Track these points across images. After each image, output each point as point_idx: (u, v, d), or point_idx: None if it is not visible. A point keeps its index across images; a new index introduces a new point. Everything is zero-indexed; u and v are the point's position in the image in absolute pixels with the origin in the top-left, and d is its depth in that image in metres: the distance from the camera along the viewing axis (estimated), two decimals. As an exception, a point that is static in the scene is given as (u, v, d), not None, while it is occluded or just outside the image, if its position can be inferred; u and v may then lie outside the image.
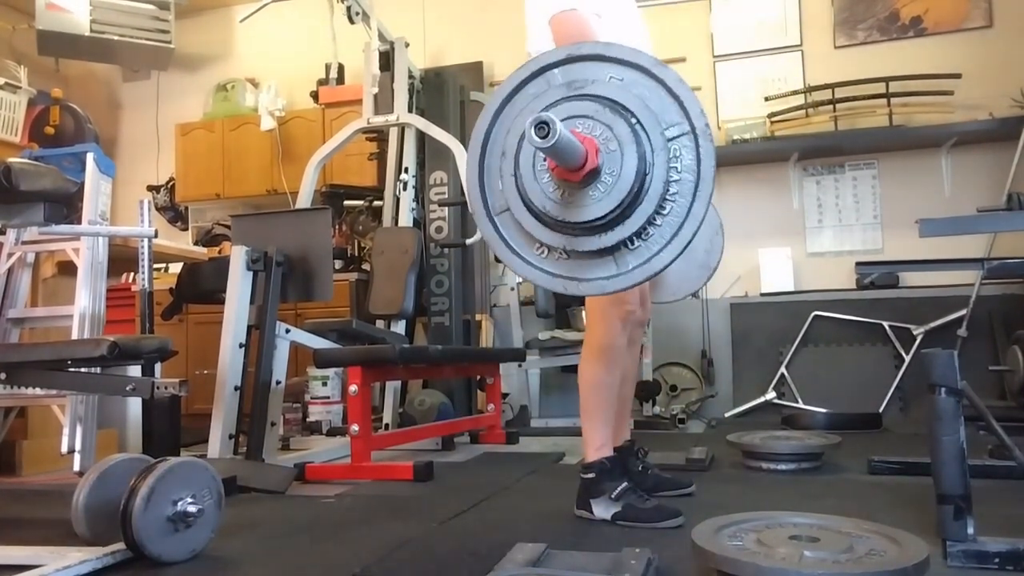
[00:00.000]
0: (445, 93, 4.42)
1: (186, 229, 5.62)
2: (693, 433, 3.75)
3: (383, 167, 4.53)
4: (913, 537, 1.29)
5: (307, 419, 3.85)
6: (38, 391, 2.54)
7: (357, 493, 2.40)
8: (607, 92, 1.18)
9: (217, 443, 2.62)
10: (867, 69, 4.26)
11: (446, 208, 4.21)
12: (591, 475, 1.89)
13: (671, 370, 4.43)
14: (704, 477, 2.40)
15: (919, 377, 3.72)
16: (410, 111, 4.19)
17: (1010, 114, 4.03)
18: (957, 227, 2.80)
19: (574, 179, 1.15)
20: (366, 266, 4.55)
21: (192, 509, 1.59)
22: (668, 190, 1.15)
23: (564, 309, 4.14)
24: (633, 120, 1.15)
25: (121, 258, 3.12)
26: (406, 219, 4.11)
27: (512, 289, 4.36)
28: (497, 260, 1.36)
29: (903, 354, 4.05)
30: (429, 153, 4.30)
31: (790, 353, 4.23)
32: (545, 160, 1.17)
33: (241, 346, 2.74)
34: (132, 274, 4.02)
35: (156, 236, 2.98)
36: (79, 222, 2.78)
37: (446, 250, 4.13)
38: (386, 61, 4.25)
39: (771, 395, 4.19)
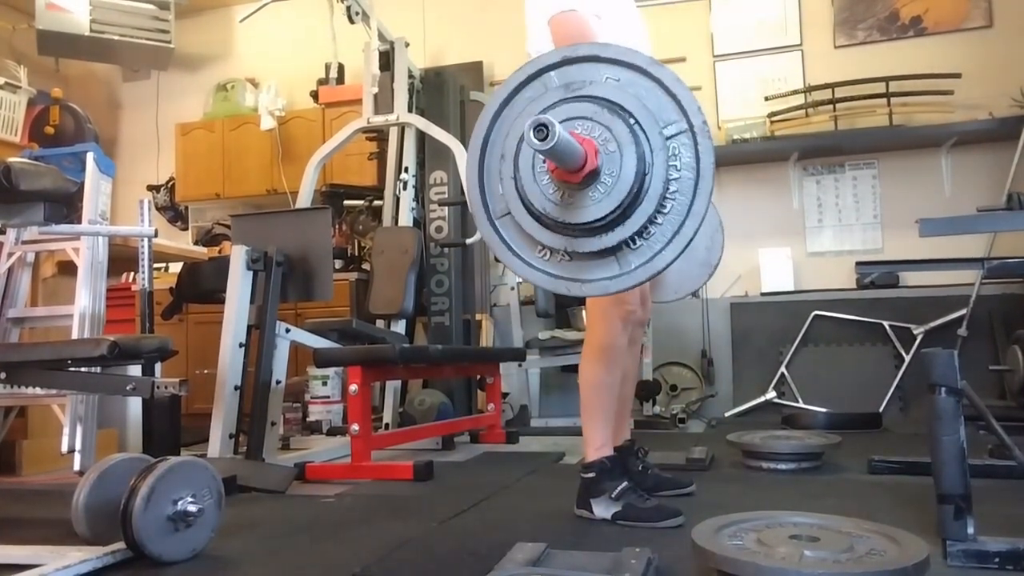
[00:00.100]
0: (445, 93, 4.42)
1: (186, 229, 5.62)
2: (693, 433, 3.75)
3: (383, 167, 4.53)
4: (913, 537, 1.29)
5: (307, 419, 3.86)
6: (38, 391, 2.54)
7: (357, 493, 2.40)
8: (605, 93, 1.18)
9: (217, 443, 2.62)
10: (867, 69, 4.26)
11: (446, 208, 4.21)
12: (591, 475, 1.89)
13: (671, 370, 4.43)
14: (704, 477, 2.40)
15: (919, 377, 3.72)
16: (410, 111, 4.19)
17: (1010, 114, 4.03)
18: (957, 227, 2.79)
19: (574, 180, 1.15)
20: (366, 266, 4.55)
21: (192, 509, 1.59)
22: (668, 188, 1.15)
23: (564, 309, 4.14)
24: (631, 120, 1.15)
25: (121, 258, 3.12)
26: (406, 219, 4.11)
27: (512, 289, 4.37)
28: (498, 260, 1.36)
29: (903, 354, 4.06)
30: (429, 153, 4.30)
31: (790, 353, 4.24)
32: (544, 162, 1.17)
33: (241, 346, 2.74)
34: (132, 274, 4.02)
35: (156, 236, 2.98)
36: (79, 222, 2.78)
37: (446, 250, 4.13)
38: (386, 61, 4.25)
39: (771, 395, 4.19)
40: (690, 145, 1.15)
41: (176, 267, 4.17)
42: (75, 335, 2.68)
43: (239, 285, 2.76)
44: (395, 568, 1.56)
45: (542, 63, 1.24)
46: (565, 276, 1.23)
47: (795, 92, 4.40)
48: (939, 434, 1.44)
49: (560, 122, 1.06)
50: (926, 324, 4.03)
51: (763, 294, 4.41)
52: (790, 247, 4.44)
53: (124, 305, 4.00)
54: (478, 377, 3.98)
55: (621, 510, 1.84)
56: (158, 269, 4.11)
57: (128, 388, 1.93)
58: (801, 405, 4.06)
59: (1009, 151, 3.98)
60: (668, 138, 1.16)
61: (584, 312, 2.53)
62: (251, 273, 2.80)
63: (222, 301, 2.80)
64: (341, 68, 5.08)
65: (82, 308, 2.72)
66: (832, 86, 4.28)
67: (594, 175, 1.14)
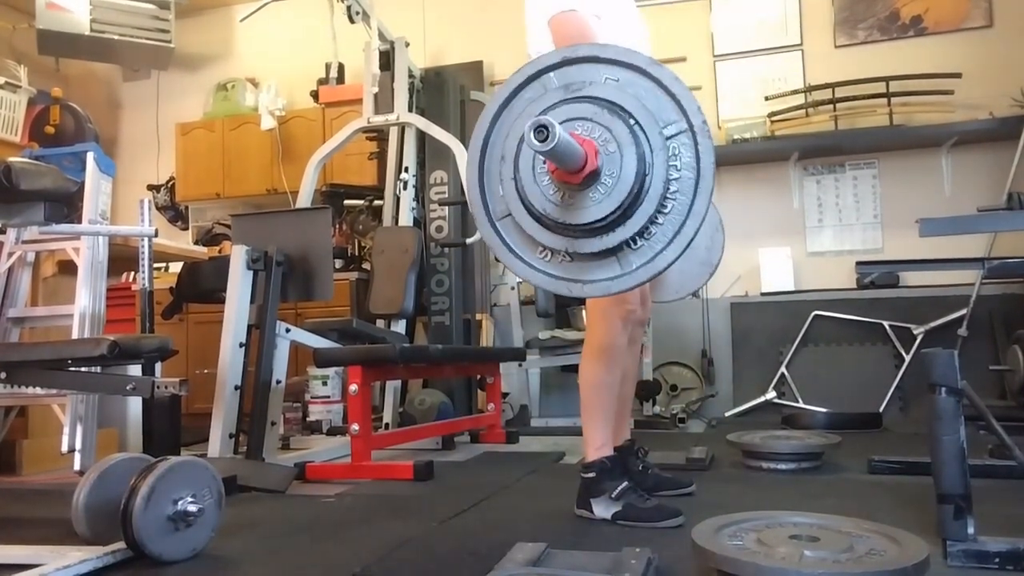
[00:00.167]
0: (445, 93, 4.42)
1: (186, 228, 5.62)
2: (693, 433, 3.75)
3: (383, 166, 4.53)
4: (913, 537, 1.29)
5: (307, 418, 3.86)
6: (38, 390, 2.54)
7: (357, 492, 2.40)
8: (604, 93, 1.18)
9: (217, 442, 2.62)
10: (867, 68, 4.26)
11: (446, 207, 4.21)
12: (591, 474, 1.89)
13: (671, 370, 4.43)
14: (704, 477, 2.40)
15: (919, 377, 3.72)
16: (410, 111, 4.19)
17: (1010, 114, 4.03)
18: (957, 227, 2.80)
19: (574, 181, 1.15)
20: (366, 265, 4.55)
21: (192, 508, 1.59)
22: (668, 189, 1.15)
23: (564, 309, 4.14)
24: (631, 120, 1.15)
25: (121, 257, 3.12)
26: (406, 218, 4.11)
27: (512, 288, 4.37)
28: (498, 260, 1.36)
29: (903, 354, 4.05)
30: (429, 152, 4.30)
31: (790, 353, 4.23)
32: (545, 163, 1.17)
33: (241, 345, 2.74)
34: (132, 273, 4.02)
35: (156, 235, 2.98)
36: (79, 221, 2.78)
37: (446, 249, 4.13)
38: (386, 61, 4.25)
39: (771, 395, 4.19)
40: (690, 145, 1.15)
41: (176, 267, 4.17)
42: (75, 335, 2.68)
43: (239, 285, 2.76)
44: (395, 568, 1.56)
45: (542, 64, 1.24)
46: (566, 277, 1.23)
47: (795, 92, 4.40)
48: (939, 434, 1.44)
49: (560, 123, 1.06)
50: (926, 324, 4.03)
51: (763, 294, 4.41)
52: (790, 247, 4.44)
53: (124, 305, 4.00)
54: (478, 377, 3.98)
55: (621, 510, 1.84)
56: (158, 269, 4.11)
57: (128, 388, 1.93)
58: (801, 405, 4.06)
59: (1009, 151, 3.98)
60: (668, 138, 1.16)
61: (584, 312, 2.53)
62: (251, 273, 2.80)
63: (222, 301, 2.80)
64: (341, 68, 5.08)
65: (82, 308, 2.72)
66: (832, 86, 4.28)
67: (594, 176, 1.14)
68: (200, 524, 1.62)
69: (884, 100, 4.19)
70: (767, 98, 4.43)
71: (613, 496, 1.85)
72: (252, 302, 2.80)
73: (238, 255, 2.78)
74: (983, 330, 3.93)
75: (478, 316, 4.33)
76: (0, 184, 1.86)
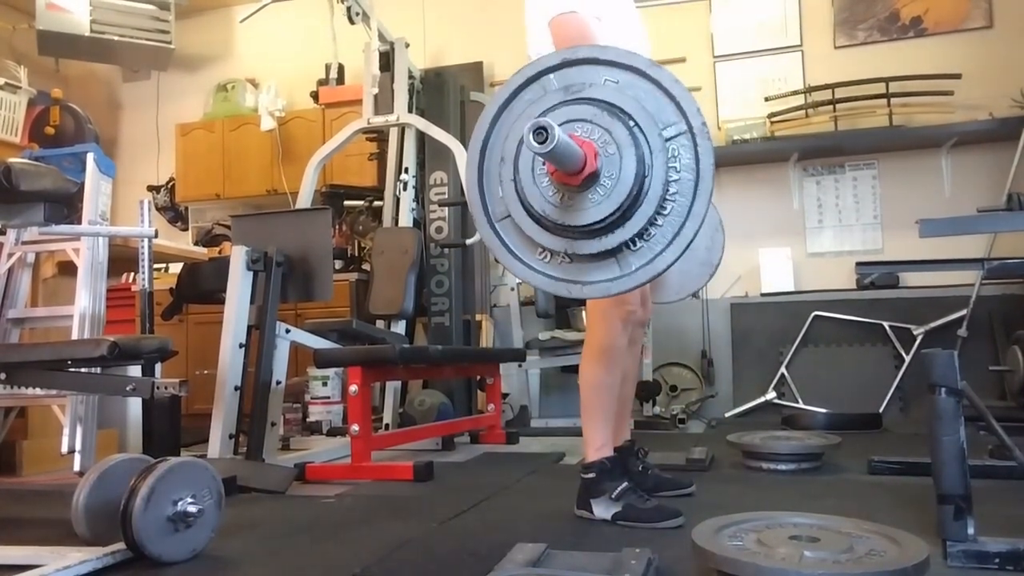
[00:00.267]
0: (445, 93, 4.42)
1: (186, 229, 5.62)
2: (693, 433, 3.75)
3: (383, 167, 4.53)
4: (913, 537, 1.29)
5: (307, 419, 3.86)
6: (38, 391, 2.54)
7: (357, 493, 2.40)
8: (604, 95, 1.18)
9: (217, 443, 2.62)
10: (867, 69, 4.26)
11: (446, 208, 4.21)
12: (591, 475, 1.89)
13: (671, 370, 4.43)
14: (704, 477, 2.40)
15: (919, 377, 3.72)
16: (410, 111, 4.19)
17: (1010, 114, 4.03)
18: (957, 227, 2.80)
19: (573, 183, 1.15)
20: (366, 266, 4.55)
21: (192, 509, 1.59)
22: (668, 190, 1.16)
23: (564, 309, 4.14)
24: (631, 122, 1.16)
25: (121, 258, 3.12)
26: (406, 219, 4.11)
27: (512, 289, 4.37)
28: (498, 261, 1.36)
29: (903, 354, 4.06)
30: (429, 153, 4.30)
31: (790, 353, 4.24)
32: (544, 165, 1.17)
33: (241, 346, 2.74)
34: (132, 274, 4.02)
35: (156, 236, 2.98)
36: (79, 222, 2.78)
37: (446, 250, 4.13)
38: (386, 61, 4.25)
39: (771, 395, 4.19)
40: (690, 146, 1.15)
41: (176, 267, 4.17)
42: (75, 335, 2.68)
43: (239, 285, 2.76)
44: (395, 568, 1.56)
45: (541, 65, 1.24)
46: (565, 278, 1.23)
47: (795, 93, 4.40)
48: (939, 434, 1.44)
49: (559, 125, 1.06)
50: (926, 324, 4.03)
51: (763, 294, 4.41)
52: (790, 247, 4.44)
53: (124, 305, 4.01)
54: (478, 377, 3.98)
55: (621, 510, 1.84)
56: (158, 269, 4.11)
57: (128, 388, 1.93)
58: (801, 405, 4.07)
59: (1009, 151, 3.99)
60: (667, 140, 1.16)
61: (584, 313, 2.53)
62: (251, 273, 2.80)
63: (222, 301, 2.80)
64: (341, 68, 5.08)
65: (82, 308, 2.72)
66: (832, 86, 4.28)
67: (594, 177, 1.14)
68: (200, 525, 1.62)
69: (884, 101, 4.19)
70: (767, 99, 4.43)
71: (613, 497, 1.85)
72: (252, 303, 2.80)
73: (238, 256, 2.78)
74: (983, 331, 3.93)
75: (478, 317, 4.33)
76: (0, 185, 1.86)
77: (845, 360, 4.18)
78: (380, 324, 3.73)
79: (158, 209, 5.54)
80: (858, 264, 3.22)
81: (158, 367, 2.90)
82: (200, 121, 5.44)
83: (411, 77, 4.33)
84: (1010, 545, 1.40)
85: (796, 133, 4.33)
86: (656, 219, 1.16)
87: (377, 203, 4.55)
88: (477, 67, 4.89)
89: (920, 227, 2.43)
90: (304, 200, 4.01)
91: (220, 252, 4.48)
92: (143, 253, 3.05)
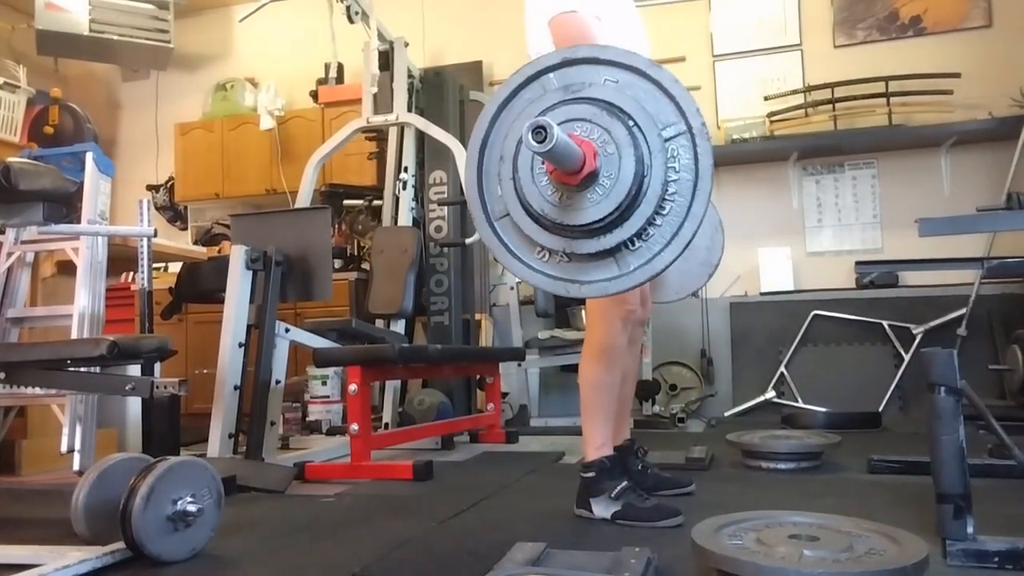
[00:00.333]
0: (445, 93, 4.42)
1: (185, 229, 5.62)
2: (693, 432, 3.75)
3: (382, 166, 4.53)
4: (913, 536, 1.29)
5: (307, 418, 3.86)
6: (38, 391, 2.54)
7: (357, 492, 2.40)
8: (603, 95, 1.18)
9: (217, 442, 2.62)
10: (866, 68, 4.26)
11: (445, 207, 4.21)
12: (591, 474, 1.89)
13: (671, 369, 4.43)
14: (704, 476, 2.40)
15: (919, 376, 3.70)
16: (409, 111, 4.19)
17: (1009, 113, 4.03)
18: (956, 226, 2.80)
19: (572, 182, 1.15)
20: (365, 265, 4.55)
21: (192, 508, 1.59)
22: (667, 190, 1.16)
23: (563, 308, 4.14)
24: (630, 122, 1.16)
25: (120, 258, 3.12)
26: (405, 218, 4.11)
27: (511, 288, 4.37)
28: (497, 260, 1.36)
29: (903, 353, 4.06)
30: (428, 152, 4.30)
31: (790, 352, 4.24)
32: (543, 164, 1.17)
33: (241, 345, 2.74)
34: (131, 274, 4.01)
35: (155, 236, 2.98)
36: (78, 222, 2.78)
37: (445, 249, 4.13)
38: (385, 61, 4.25)
39: (771, 394, 4.19)
40: (689, 147, 1.15)
41: (175, 267, 4.17)
42: (74, 335, 2.68)
43: (239, 285, 2.76)
44: (395, 568, 1.56)
45: (541, 65, 1.24)
46: (564, 277, 1.23)
47: (794, 92, 4.40)
48: (939, 433, 1.44)
49: (559, 124, 1.06)
50: (925, 324, 4.03)
51: (763, 294, 4.41)
52: (790, 247, 4.44)
53: (123, 305, 4.00)
54: (477, 377, 3.98)
55: (621, 509, 1.84)
56: (157, 269, 4.11)
57: (127, 388, 1.92)
58: (800, 405, 4.07)
59: (1008, 151, 3.99)
60: (667, 140, 1.16)
61: (584, 312, 2.53)
62: (250, 273, 2.80)
63: (222, 301, 2.80)
64: (341, 68, 5.08)
65: (81, 308, 2.72)
66: (832, 86, 4.28)
67: (593, 177, 1.15)
68: (199, 524, 1.62)
69: (883, 100, 4.19)
70: (766, 98, 4.43)
71: (612, 496, 1.85)
72: (251, 302, 2.80)
73: (237, 255, 2.78)
74: (982, 330, 3.93)
75: (477, 316, 4.33)
76: (-1, 184, 1.85)
77: (844, 359, 4.18)
78: (379, 323, 3.72)
79: (157, 208, 5.54)
80: (857, 263, 3.21)
81: (157, 366, 2.90)
82: (199, 120, 5.44)
83: (410, 76, 4.33)
84: (1009, 544, 1.40)
85: (795, 132, 4.33)
86: (655, 219, 1.16)
87: (376, 202, 4.55)
88: (476, 66, 4.89)
89: (919, 226, 2.43)
90: (303, 199, 4.01)
91: (219, 251, 4.48)
92: (142, 252, 3.05)
